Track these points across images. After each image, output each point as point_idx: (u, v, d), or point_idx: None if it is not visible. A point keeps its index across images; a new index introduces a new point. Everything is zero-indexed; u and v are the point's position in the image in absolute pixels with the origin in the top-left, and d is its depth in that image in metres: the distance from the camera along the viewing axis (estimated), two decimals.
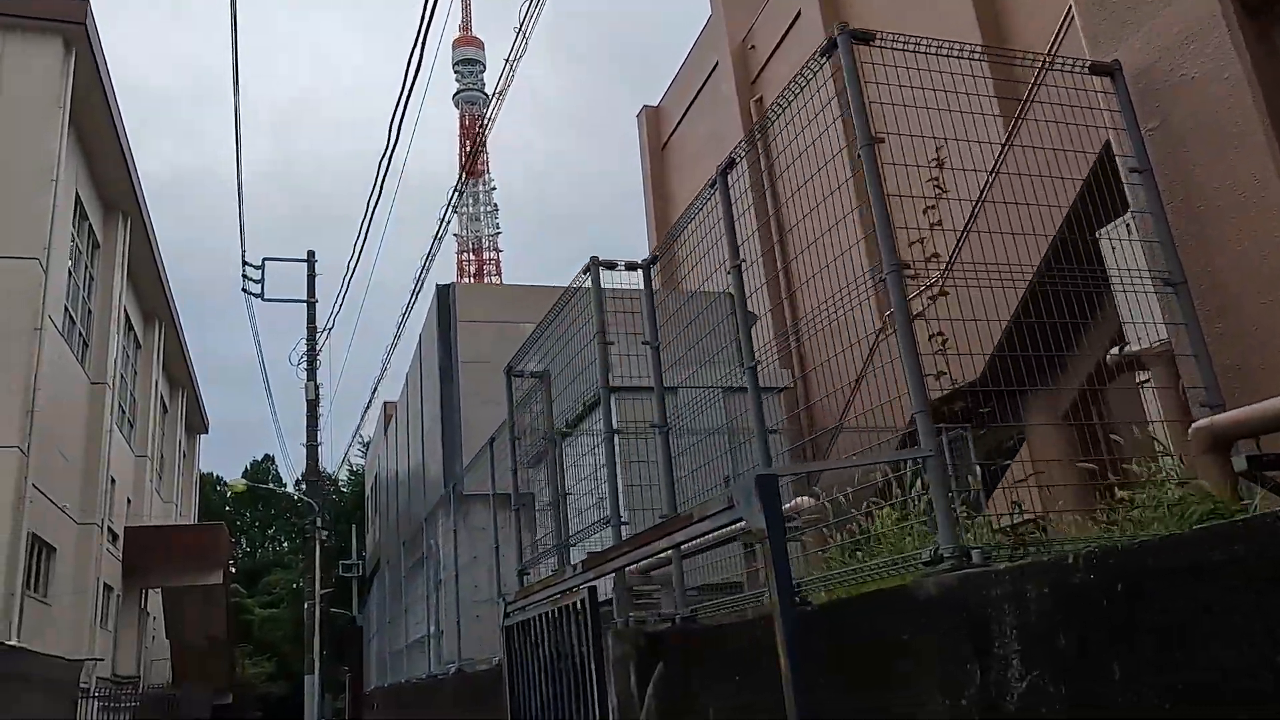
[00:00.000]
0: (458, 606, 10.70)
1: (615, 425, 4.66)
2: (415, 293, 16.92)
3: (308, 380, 20.56)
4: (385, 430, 30.27)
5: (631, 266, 5.15)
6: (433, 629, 13.95)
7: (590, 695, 4.46)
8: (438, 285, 17.14)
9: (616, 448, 4.76)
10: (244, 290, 21.06)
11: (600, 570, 4.38)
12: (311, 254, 21.83)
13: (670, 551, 4.75)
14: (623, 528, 4.74)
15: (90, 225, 24.26)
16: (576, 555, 6.42)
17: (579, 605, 4.69)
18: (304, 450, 20.79)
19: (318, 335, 20.91)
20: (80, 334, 23.68)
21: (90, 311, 24.71)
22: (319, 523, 20.28)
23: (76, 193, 22.52)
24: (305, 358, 20.67)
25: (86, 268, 24.37)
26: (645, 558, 3.91)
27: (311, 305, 21.40)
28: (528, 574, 6.37)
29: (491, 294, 16.96)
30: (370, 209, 17.96)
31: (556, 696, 5.08)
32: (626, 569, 4.60)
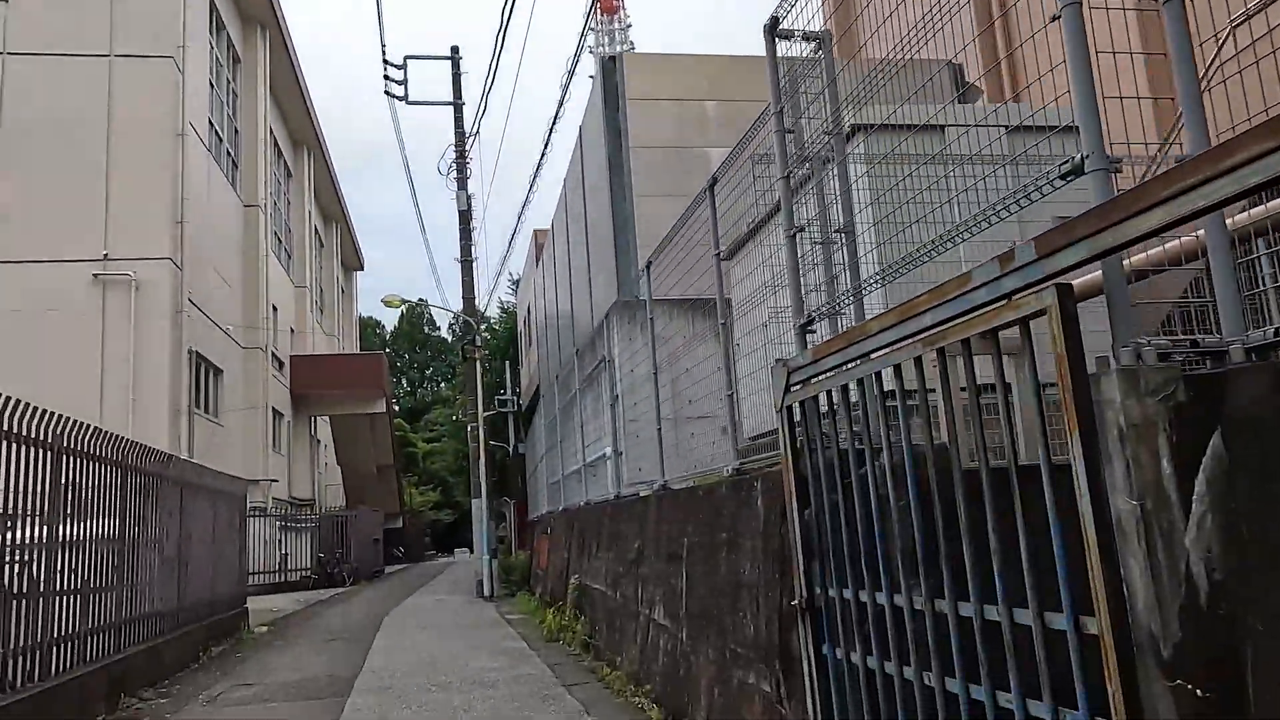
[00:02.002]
0: (658, 415, 8.88)
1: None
2: (567, 91, 14.44)
3: (458, 190, 18.88)
4: (537, 261, 28.82)
5: None
6: (608, 451, 12.49)
7: (1080, 500, 2.24)
8: (602, 59, 14.66)
9: (1092, 42, 2.36)
10: (386, 93, 19.27)
11: (1122, 234, 2.04)
12: (455, 49, 19.66)
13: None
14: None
15: (229, 35, 22.88)
16: (872, 311, 4.15)
17: (1031, 322, 2.42)
18: (459, 267, 19.36)
19: (466, 140, 19.01)
20: (229, 153, 22.75)
21: (237, 130, 23.71)
22: (477, 341, 19.05)
23: None
24: (454, 165, 18.92)
25: (229, 82, 23.18)
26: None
27: (459, 108, 19.44)
28: (812, 331, 4.19)
29: (666, 65, 14.30)
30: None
31: (951, 519, 2.92)
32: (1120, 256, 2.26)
